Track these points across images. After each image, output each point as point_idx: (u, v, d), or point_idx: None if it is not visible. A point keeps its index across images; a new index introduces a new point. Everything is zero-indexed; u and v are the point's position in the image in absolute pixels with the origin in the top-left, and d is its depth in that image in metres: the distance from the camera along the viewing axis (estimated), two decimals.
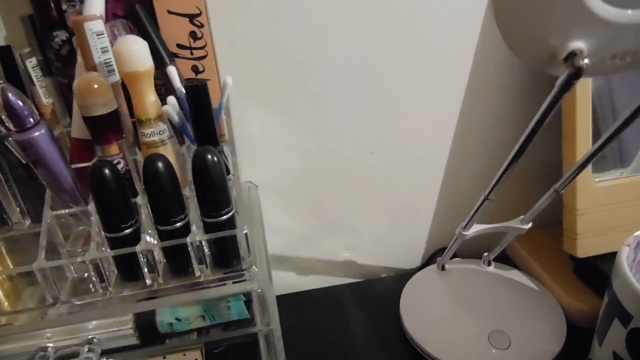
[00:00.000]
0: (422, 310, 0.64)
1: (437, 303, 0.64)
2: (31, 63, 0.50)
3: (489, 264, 0.68)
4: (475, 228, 0.55)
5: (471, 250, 0.71)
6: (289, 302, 0.70)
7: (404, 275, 0.71)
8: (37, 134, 0.42)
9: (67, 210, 0.46)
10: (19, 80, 0.52)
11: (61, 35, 0.49)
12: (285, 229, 0.71)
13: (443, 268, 0.68)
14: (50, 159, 0.43)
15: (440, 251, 0.75)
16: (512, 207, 0.63)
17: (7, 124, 0.49)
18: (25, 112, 0.41)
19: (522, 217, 0.54)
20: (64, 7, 0.48)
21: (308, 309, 0.70)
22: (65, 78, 0.51)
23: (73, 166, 0.46)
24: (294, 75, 0.60)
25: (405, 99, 0.64)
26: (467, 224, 0.54)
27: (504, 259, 0.71)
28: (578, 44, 0.28)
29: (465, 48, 0.62)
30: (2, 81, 0.40)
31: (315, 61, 0.59)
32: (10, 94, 0.40)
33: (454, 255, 0.71)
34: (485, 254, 0.68)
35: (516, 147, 0.39)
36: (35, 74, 0.50)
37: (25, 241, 0.57)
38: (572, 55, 0.28)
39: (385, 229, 0.74)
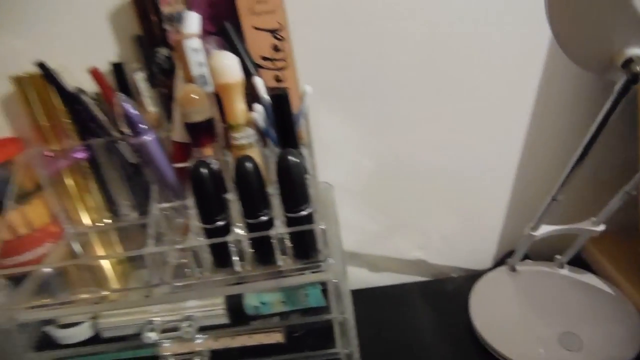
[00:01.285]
0: (492, 310, 0.65)
1: (508, 303, 0.65)
2: (139, 77, 0.58)
3: (562, 267, 0.67)
4: (544, 229, 0.55)
5: (544, 253, 0.70)
6: (360, 297, 0.73)
7: (474, 276, 0.72)
8: (147, 138, 0.49)
9: (170, 204, 0.53)
10: (128, 92, 0.60)
11: (163, 52, 0.57)
12: (358, 227, 0.75)
13: (514, 269, 0.69)
14: (158, 159, 0.50)
15: (511, 253, 0.75)
16: (585, 209, 0.62)
17: (123, 130, 0.57)
18: (139, 119, 0.48)
19: (593, 218, 0.54)
20: (166, 27, 0.55)
21: (379, 304, 0.73)
22: (166, 89, 0.59)
23: (178, 165, 0.53)
24: (367, 81, 0.63)
25: (476, 102, 0.65)
26: (535, 225, 0.54)
27: (579, 263, 0.70)
28: (635, 51, 0.29)
29: (536, 53, 0.62)
30: (119, 93, 0.47)
31: (386, 68, 0.63)
32: (126, 104, 0.47)
33: (526, 258, 0.71)
34: (558, 256, 0.67)
35: (579, 150, 0.40)
36: (142, 86, 0.58)
37: (132, 231, 0.66)
38: (630, 61, 0.29)
39: (456, 229, 0.76)
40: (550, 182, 0.71)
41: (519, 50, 0.62)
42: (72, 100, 0.57)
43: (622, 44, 0.29)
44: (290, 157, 0.45)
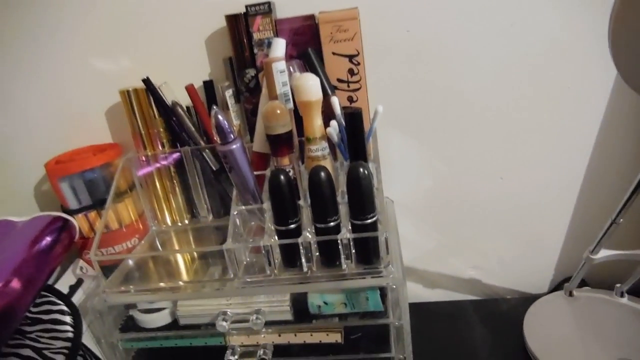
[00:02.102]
0: (546, 332, 0.66)
1: (563, 327, 0.66)
2: (228, 93, 0.65)
3: (622, 296, 0.67)
4: (604, 253, 0.56)
5: (603, 281, 0.70)
6: (414, 310, 0.76)
7: (529, 299, 0.73)
8: (234, 146, 0.55)
9: (248, 207, 0.59)
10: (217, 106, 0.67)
11: (251, 72, 0.64)
12: (415, 243, 0.78)
13: (571, 294, 0.69)
14: (242, 166, 0.56)
15: (568, 279, 0.75)
16: None
17: (210, 139, 0.64)
18: (229, 130, 0.55)
19: None
20: (255, 50, 0.63)
21: (432, 319, 0.75)
22: (250, 105, 0.66)
23: (257, 172, 0.59)
24: (432, 105, 0.68)
25: (536, 128, 0.68)
26: (594, 248, 0.56)
27: None
28: None
29: (600, 84, 0.64)
30: (215, 107, 0.54)
31: (451, 94, 0.67)
32: (220, 116, 0.54)
33: (584, 284, 0.72)
34: (618, 285, 0.67)
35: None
36: (230, 101, 0.65)
37: (207, 232, 0.73)
38: None
39: (512, 252, 0.77)
40: (611, 209, 0.71)
41: (583, 80, 0.64)
42: (168, 112, 0.65)
43: None
44: (360, 169, 0.50)
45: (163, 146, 0.68)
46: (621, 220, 0.49)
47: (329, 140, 0.58)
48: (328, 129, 0.56)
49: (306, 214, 0.57)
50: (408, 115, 0.69)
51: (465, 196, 0.74)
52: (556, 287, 0.78)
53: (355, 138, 0.56)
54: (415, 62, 0.66)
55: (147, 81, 0.64)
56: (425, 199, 0.75)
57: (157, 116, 0.67)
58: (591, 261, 0.57)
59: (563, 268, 0.77)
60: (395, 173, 0.73)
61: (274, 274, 0.56)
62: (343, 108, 0.61)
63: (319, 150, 0.56)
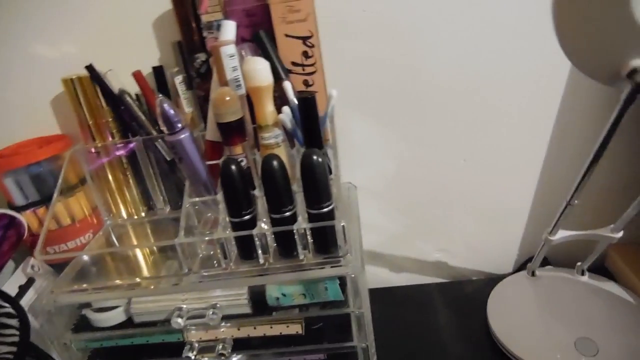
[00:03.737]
0: (509, 313, 0.66)
1: (526, 307, 0.66)
2: (178, 79, 0.62)
3: (583, 274, 0.67)
4: (562, 234, 0.56)
5: (565, 260, 0.71)
6: (380, 296, 0.75)
7: (494, 279, 0.73)
8: (183, 136, 0.53)
9: (201, 198, 0.57)
10: (167, 94, 0.64)
11: (201, 57, 0.61)
12: (380, 227, 0.77)
13: (533, 274, 0.69)
14: (192, 156, 0.54)
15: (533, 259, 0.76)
16: (606, 215, 0.62)
17: (160, 128, 0.61)
18: (176, 119, 0.52)
19: (612, 225, 0.55)
20: (205, 34, 0.60)
21: (398, 304, 0.75)
22: (203, 91, 0.63)
23: (209, 162, 0.57)
24: (393, 87, 0.66)
25: (501, 111, 0.67)
26: (552, 230, 0.55)
27: (602, 271, 0.70)
28: (638, 62, 0.31)
29: (559, 66, 0.63)
30: (160, 94, 0.51)
31: (412, 74, 0.65)
32: (165, 105, 0.51)
33: (547, 263, 0.72)
34: (579, 263, 0.68)
35: (591, 155, 0.41)
36: (180, 88, 0.62)
37: (165, 224, 0.70)
38: (634, 72, 0.31)
39: (477, 233, 0.77)
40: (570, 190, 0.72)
41: (543, 63, 0.63)
42: (116, 100, 0.62)
43: (626, 56, 0.31)
44: (313, 156, 0.48)
45: (113, 137, 0.65)
46: (576, 201, 0.49)
47: (284, 127, 0.56)
48: (280, 116, 0.53)
49: (262, 204, 0.55)
50: (368, 98, 0.67)
51: (430, 178, 0.73)
52: (521, 266, 0.78)
53: (309, 124, 0.54)
54: (374, 42, 0.64)
55: (90, 68, 0.60)
56: (389, 182, 0.73)
57: (104, 105, 0.63)
58: (550, 242, 0.57)
59: (527, 247, 0.78)
60: (357, 157, 0.71)
61: (230, 267, 0.54)
62: (297, 92, 0.59)
63: (271, 137, 0.54)
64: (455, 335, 0.67)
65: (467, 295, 0.74)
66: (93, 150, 0.66)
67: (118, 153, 0.66)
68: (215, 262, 0.57)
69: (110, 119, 0.64)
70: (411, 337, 0.68)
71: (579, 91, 0.65)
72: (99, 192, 0.69)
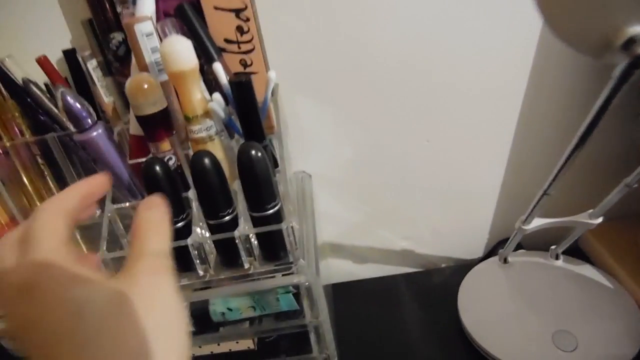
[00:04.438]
0: (481, 306, 0.61)
1: (498, 298, 0.61)
2: (92, 64, 0.53)
3: (557, 258, 0.63)
4: (537, 222, 0.51)
5: (538, 242, 0.66)
6: (344, 290, 0.70)
7: (464, 266, 0.68)
8: (95, 134, 0.44)
9: (125, 204, 0.49)
10: (84, 81, 0.55)
11: (118, 37, 0.52)
12: (340, 217, 0.70)
13: (505, 261, 0.65)
14: (108, 156, 0.45)
15: (504, 242, 0.71)
16: (581, 200, 0.57)
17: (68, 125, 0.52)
18: (84, 114, 0.43)
19: (590, 211, 0.50)
20: (119, 9, 0.50)
21: (363, 298, 0.69)
22: (123, 77, 0.54)
23: (132, 161, 0.49)
24: (344, 65, 0.58)
25: (464, 90, 0.60)
26: (526, 218, 0.50)
27: (576, 253, 0.66)
28: (638, 30, 0.24)
29: (526, 38, 0.57)
30: (61, 86, 0.43)
31: (365, 50, 0.57)
32: (68, 97, 0.43)
33: (519, 247, 0.67)
34: (553, 247, 0.63)
35: (574, 141, 0.35)
36: (96, 74, 0.53)
37: (97, 229, 0.62)
38: (632, 42, 0.24)
39: (444, 218, 0.71)
40: (542, 170, 0.66)
41: (508, 35, 0.56)
42: (20, 92, 0.53)
43: (622, 22, 0.24)
44: (252, 151, 0.41)
45: (23, 134, 0.56)
46: (552, 191, 0.43)
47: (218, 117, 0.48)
48: (210, 104, 0.45)
49: (196, 207, 0.48)
50: (317, 78, 0.59)
51: (390, 162, 0.66)
52: (492, 250, 0.74)
53: (246, 111, 0.46)
54: (320, 15, 0.55)
55: None
56: (345, 168, 0.66)
57: (8, 98, 0.54)
58: (523, 231, 0.52)
59: (497, 231, 0.73)
60: (309, 143, 0.64)
61: None
62: (234, 75, 0.51)
63: (202, 130, 0.46)
64: (424, 330, 0.62)
65: (436, 285, 0.69)
66: (0, 151, 0.56)
67: (31, 153, 0.57)
68: None
69: (17, 114, 0.54)
70: (377, 336, 0.63)
71: (548, 67, 0.58)
72: (15, 198, 0.59)
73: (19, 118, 0.55)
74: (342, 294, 0.68)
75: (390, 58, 0.58)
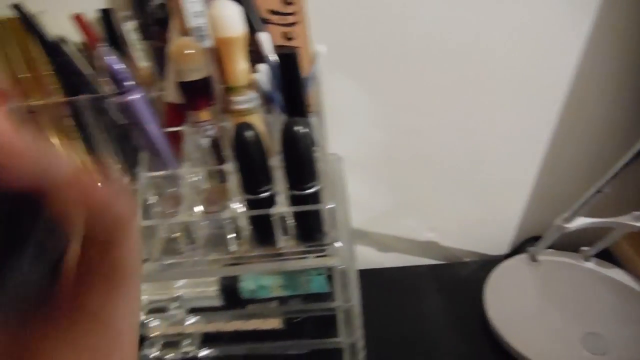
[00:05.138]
0: (508, 301, 0.60)
1: (526, 295, 0.60)
2: (130, 27, 0.51)
3: (588, 260, 0.62)
4: (580, 221, 0.49)
5: (568, 243, 0.64)
6: (367, 278, 0.69)
7: (489, 262, 0.67)
8: (134, 97, 0.43)
9: (160, 173, 0.47)
10: (117, 44, 0.53)
11: None
12: (367, 203, 0.69)
13: (534, 259, 0.63)
14: (146, 121, 0.44)
15: (532, 240, 0.69)
16: (622, 200, 0.55)
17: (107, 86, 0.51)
18: (124, 75, 0.42)
19: (636, 213, 0.48)
20: None
21: (387, 287, 0.68)
22: (161, 42, 0.52)
23: (168, 129, 0.47)
24: (387, 47, 0.56)
25: (506, 82, 0.58)
26: (570, 216, 0.48)
27: (606, 256, 0.64)
28: None
29: (575, 35, 0.55)
30: (104, 45, 0.41)
31: (410, 34, 0.55)
32: (111, 58, 0.41)
33: (549, 247, 0.66)
34: (585, 248, 0.61)
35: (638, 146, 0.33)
36: (133, 37, 0.51)
37: None
38: None
39: (473, 211, 0.70)
40: (578, 172, 0.64)
41: (555, 26, 0.54)
42: (52, 50, 0.51)
43: None
44: (296, 128, 0.39)
45: (52, 94, 0.54)
46: (607, 190, 0.41)
47: (260, 89, 0.46)
48: (255, 75, 0.44)
49: (233, 182, 0.46)
50: (358, 56, 0.57)
51: (423, 150, 0.65)
52: (517, 247, 0.72)
53: (291, 86, 0.45)
54: None
55: (18, 8, 0.48)
56: (378, 153, 0.65)
57: (40, 56, 0.52)
58: (563, 230, 0.50)
59: (526, 228, 0.71)
60: (343, 125, 0.62)
61: (197, 255, 0.46)
62: (276, 48, 0.49)
63: (245, 102, 0.44)
64: (448, 322, 0.61)
65: (460, 279, 0.68)
66: (29, 109, 0.55)
67: (61, 113, 0.56)
68: (180, 247, 0.48)
69: (49, 73, 0.53)
70: (400, 325, 0.62)
71: (596, 62, 0.56)
72: None
73: (51, 77, 0.53)
74: (366, 281, 0.67)
75: (434, 44, 0.56)
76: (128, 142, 0.57)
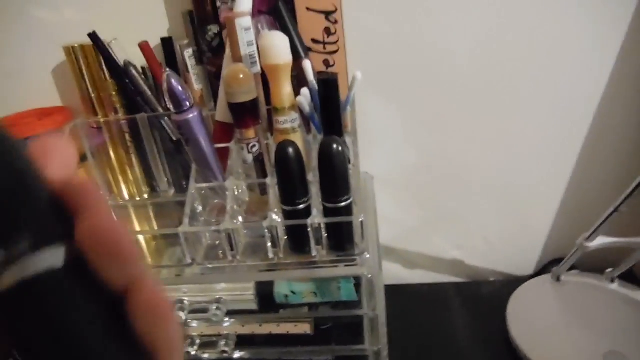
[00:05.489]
0: (531, 320, 0.62)
1: (549, 314, 0.62)
2: (188, 53, 0.57)
3: (612, 281, 0.63)
4: (601, 240, 0.52)
5: (593, 265, 0.66)
6: (392, 293, 0.71)
7: (514, 282, 0.69)
8: (191, 115, 0.48)
9: (209, 184, 0.52)
10: (176, 68, 0.60)
11: (214, 29, 0.56)
12: (396, 220, 0.72)
13: (558, 279, 0.65)
14: (200, 138, 0.49)
15: (556, 261, 0.71)
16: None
17: (167, 105, 0.57)
18: (184, 97, 0.47)
19: None
20: (218, 4, 0.54)
21: (411, 302, 0.71)
22: (214, 67, 0.58)
23: (217, 145, 0.52)
24: (418, 70, 0.61)
25: (534, 95, 0.61)
26: (591, 235, 0.51)
27: (631, 278, 0.65)
28: None
29: (602, 59, 0.58)
30: (168, 69, 0.47)
31: (439, 58, 0.60)
32: (173, 80, 0.47)
33: (572, 268, 0.67)
34: (609, 270, 0.63)
35: None
36: (190, 63, 0.57)
37: (168, 208, 0.66)
38: None
39: (499, 231, 0.72)
40: (605, 192, 0.66)
41: (585, 49, 0.58)
42: (120, 73, 0.57)
43: None
44: (334, 145, 0.44)
45: (116, 112, 0.61)
46: (625, 209, 0.44)
47: (301, 110, 0.51)
48: (298, 98, 0.48)
49: (273, 194, 0.51)
50: (391, 80, 0.62)
51: (451, 169, 0.68)
52: (542, 269, 0.74)
53: (329, 108, 0.50)
54: (401, 20, 0.58)
55: (93, 36, 0.55)
56: (407, 173, 0.68)
57: (108, 78, 0.59)
58: (585, 249, 0.52)
59: (551, 249, 0.73)
60: (375, 145, 0.66)
61: (236, 260, 0.50)
62: (317, 73, 0.54)
63: (287, 122, 0.49)
64: (471, 339, 0.63)
65: (484, 297, 0.70)
66: (95, 125, 0.61)
67: (121, 130, 0.62)
68: (220, 253, 0.52)
69: (114, 93, 0.59)
70: (424, 338, 0.64)
71: (619, 95, 0.59)
72: (100, 170, 0.64)
73: (115, 97, 0.60)
74: (389, 296, 0.70)
75: (464, 66, 0.60)
76: (178, 157, 0.63)
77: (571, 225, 0.70)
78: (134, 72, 0.57)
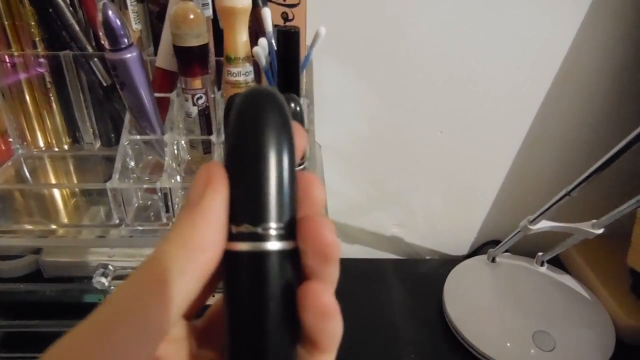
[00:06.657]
0: (466, 298, 0.63)
1: (483, 293, 0.63)
2: None
3: (542, 265, 0.65)
4: (543, 224, 0.53)
5: (524, 248, 0.68)
6: None
7: (449, 261, 0.70)
8: (129, 55, 0.42)
9: (145, 137, 0.46)
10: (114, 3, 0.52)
11: None
12: (339, 193, 0.70)
13: (494, 260, 0.66)
14: (138, 82, 0.43)
15: (491, 243, 0.73)
16: (583, 208, 0.59)
17: (99, 44, 0.50)
18: (122, 32, 0.41)
19: (594, 221, 0.52)
20: None
21: (349, 277, 0.70)
22: (157, 6, 0.51)
23: (157, 95, 0.47)
24: (382, 38, 0.58)
25: (485, 81, 0.61)
26: (535, 218, 0.52)
27: (556, 263, 0.68)
28: None
29: (554, 46, 0.58)
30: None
31: (405, 27, 0.57)
32: (110, 12, 0.40)
33: (505, 250, 0.69)
34: (540, 253, 0.65)
35: (611, 153, 0.36)
36: None
37: (92, 162, 0.59)
38: None
39: (440, 210, 0.73)
40: (548, 175, 0.68)
41: (537, 43, 0.58)
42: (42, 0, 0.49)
43: None
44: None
45: (36, 46, 0.52)
46: (576, 194, 0.45)
47: (255, 63, 0.46)
48: (255, 49, 0.44)
49: (218, 154, 0.46)
50: (351, 45, 0.59)
51: (401, 147, 0.67)
52: (476, 250, 0.76)
53: (288, 64, 0.45)
54: None
55: None
56: (357, 144, 0.66)
57: (27, 3, 0.50)
58: (528, 231, 0.53)
59: (487, 231, 0.75)
60: (327, 112, 0.63)
61: (172, 223, 0.46)
62: (275, 26, 0.49)
63: (240, 74, 0.44)
64: (407, 315, 0.63)
65: (421, 275, 0.70)
66: (7, 60, 0.52)
67: (41, 68, 0.54)
68: (152, 214, 0.47)
69: (33, 23, 0.51)
70: (360, 315, 0.63)
71: (573, 72, 0.60)
72: (11, 113, 0.56)
73: (35, 28, 0.51)
74: None
75: (425, 46, 0.58)
76: (106, 106, 0.56)
77: (506, 210, 0.72)
78: (59, 0, 0.49)
